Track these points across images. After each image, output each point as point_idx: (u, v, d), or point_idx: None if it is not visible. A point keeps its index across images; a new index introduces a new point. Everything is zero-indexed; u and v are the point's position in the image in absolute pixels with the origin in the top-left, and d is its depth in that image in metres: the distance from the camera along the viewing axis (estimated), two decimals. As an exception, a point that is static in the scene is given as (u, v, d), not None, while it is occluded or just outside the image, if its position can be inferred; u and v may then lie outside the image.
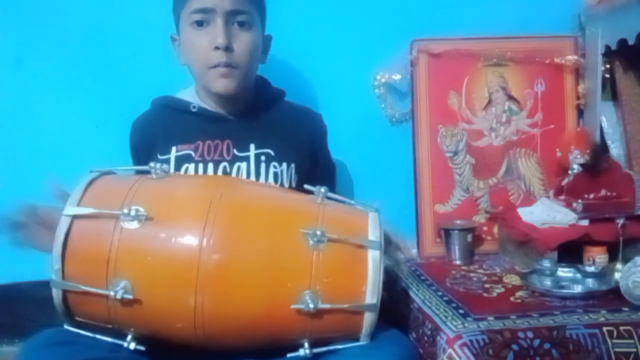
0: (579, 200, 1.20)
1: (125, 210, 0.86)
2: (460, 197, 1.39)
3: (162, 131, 1.17)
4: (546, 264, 1.10)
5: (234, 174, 1.12)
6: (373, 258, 0.88)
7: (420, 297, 1.09)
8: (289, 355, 0.89)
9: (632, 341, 0.89)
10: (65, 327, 0.90)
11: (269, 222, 0.91)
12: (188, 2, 1.11)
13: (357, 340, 0.90)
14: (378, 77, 1.41)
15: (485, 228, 1.38)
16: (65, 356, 0.86)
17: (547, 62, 1.39)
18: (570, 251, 1.16)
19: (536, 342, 0.88)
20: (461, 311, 0.98)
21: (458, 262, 1.29)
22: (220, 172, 1.12)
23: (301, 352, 0.88)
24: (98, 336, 0.89)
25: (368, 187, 1.40)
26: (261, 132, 1.16)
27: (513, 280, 1.14)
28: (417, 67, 1.38)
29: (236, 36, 1.11)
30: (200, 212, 0.88)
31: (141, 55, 1.36)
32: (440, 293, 1.09)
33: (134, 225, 0.86)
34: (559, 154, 1.35)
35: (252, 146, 1.14)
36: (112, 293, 0.84)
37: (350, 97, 1.42)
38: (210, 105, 1.18)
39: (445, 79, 1.38)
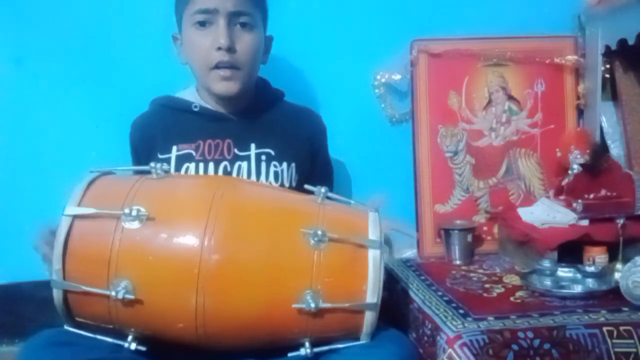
0: (579, 200, 1.21)
1: (127, 210, 0.86)
2: (460, 197, 1.39)
3: (162, 131, 1.17)
4: (546, 264, 1.10)
5: (234, 173, 1.12)
6: (373, 257, 0.89)
7: (420, 297, 1.09)
8: (290, 354, 0.90)
9: (632, 341, 0.89)
10: (66, 327, 0.90)
11: (269, 222, 0.91)
12: (191, 2, 1.11)
13: (358, 339, 0.90)
14: (378, 77, 1.41)
15: (485, 228, 1.38)
16: (65, 356, 0.86)
17: (547, 62, 1.39)
18: (570, 251, 1.16)
19: (536, 342, 0.88)
20: (461, 311, 0.98)
21: (458, 262, 1.29)
22: (221, 171, 1.12)
23: (302, 351, 0.88)
24: (99, 336, 0.89)
25: (368, 187, 1.40)
26: (262, 132, 1.16)
27: (513, 280, 1.14)
28: (417, 67, 1.38)
29: (239, 37, 1.11)
30: (201, 212, 0.88)
31: (141, 55, 1.36)
32: (440, 293, 1.09)
33: (135, 225, 0.87)
34: (559, 154, 1.35)
35: (252, 145, 1.14)
36: (113, 293, 0.84)
37: (350, 97, 1.42)
38: (211, 105, 1.18)
39: (445, 79, 1.38)
